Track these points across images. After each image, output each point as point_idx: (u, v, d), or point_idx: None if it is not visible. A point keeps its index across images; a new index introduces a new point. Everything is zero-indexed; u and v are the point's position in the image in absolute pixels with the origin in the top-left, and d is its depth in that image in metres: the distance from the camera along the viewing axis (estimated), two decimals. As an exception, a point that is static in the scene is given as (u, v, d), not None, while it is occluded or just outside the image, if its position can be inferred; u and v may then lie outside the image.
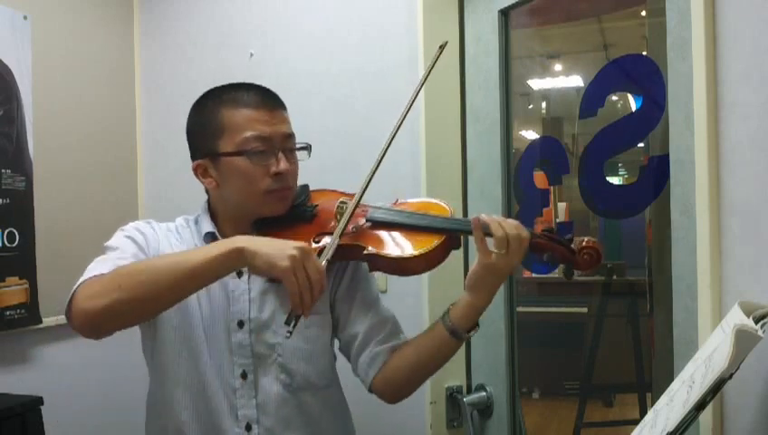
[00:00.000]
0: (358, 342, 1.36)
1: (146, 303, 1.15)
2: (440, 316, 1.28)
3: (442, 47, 1.35)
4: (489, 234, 1.20)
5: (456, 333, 1.25)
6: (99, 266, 1.24)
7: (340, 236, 1.23)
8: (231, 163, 1.30)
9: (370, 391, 1.36)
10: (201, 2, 2.28)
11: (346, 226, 1.25)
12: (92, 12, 2.24)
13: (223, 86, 1.36)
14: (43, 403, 1.74)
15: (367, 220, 1.31)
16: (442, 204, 1.35)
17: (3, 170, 1.88)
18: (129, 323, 1.22)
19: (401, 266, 1.28)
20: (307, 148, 1.37)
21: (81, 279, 1.22)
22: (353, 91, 1.98)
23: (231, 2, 2.22)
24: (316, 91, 2.04)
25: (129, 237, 1.33)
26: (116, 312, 1.15)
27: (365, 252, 1.27)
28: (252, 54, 2.16)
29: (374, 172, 1.29)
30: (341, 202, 1.35)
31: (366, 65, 1.96)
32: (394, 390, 1.34)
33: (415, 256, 1.25)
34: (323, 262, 1.17)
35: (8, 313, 1.88)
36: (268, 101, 1.34)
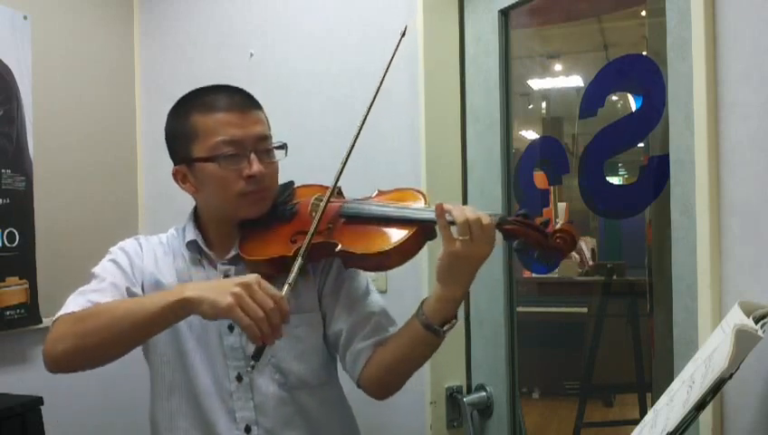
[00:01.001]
0: (343, 338, 1.34)
1: (100, 349, 1.20)
2: (415, 310, 1.25)
3: (403, 33, 1.30)
4: (453, 221, 1.16)
5: (431, 326, 1.20)
6: (72, 303, 1.27)
7: (312, 235, 1.22)
8: (204, 169, 1.29)
9: (359, 386, 1.35)
10: (201, 2, 2.28)
11: (319, 224, 1.23)
12: (92, 12, 2.24)
13: (195, 90, 1.36)
14: (42, 403, 1.74)
15: (340, 215, 1.29)
16: (416, 192, 1.32)
17: (3, 170, 1.88)
18: (91, 366, 1.25)
19: (375, 262, 1.26)
20: (283, 147, 1.35)
21: (57, 314, 1.26)
22: (353, 91, 1.98)
23: (231, 2, 2.22)
24: (316, 91, 2.03)
25: (112, 260, 1.35)
26: (75, 356, 1.21)
27: (336, 250, 1.25)
28: (252, 54, 2.16)
29: (344, 165, 1.28)
30: (316, 199, 1.34)
31: (366, 65, 1.96)
32: (380, 386, 1.33)
33: (385, 251, 1.22)
34: (285, 287, 1.14)
35: (8, 313, 1.88)
36: (239, 102, 1.31)
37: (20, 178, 1.93)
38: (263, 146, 1.31)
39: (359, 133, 1.29)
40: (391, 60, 1.27)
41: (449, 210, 1.17)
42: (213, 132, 1.28)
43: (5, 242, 1.89)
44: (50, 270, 2.00)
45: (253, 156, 1.29)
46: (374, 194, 1.36)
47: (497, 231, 1.17)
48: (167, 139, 1.38)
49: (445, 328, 1.21)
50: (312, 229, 1.22)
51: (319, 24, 2.05)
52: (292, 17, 2.10)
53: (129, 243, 1.39)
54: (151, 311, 1.14)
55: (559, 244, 1.15)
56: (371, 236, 1.25)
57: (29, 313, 1.94)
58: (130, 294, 1.31)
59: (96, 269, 1.35)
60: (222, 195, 1.30)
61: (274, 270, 1.30)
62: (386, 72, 1.27)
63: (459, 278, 1.18)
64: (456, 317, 1.23)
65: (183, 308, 1.13)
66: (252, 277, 1.13)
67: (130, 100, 2.37)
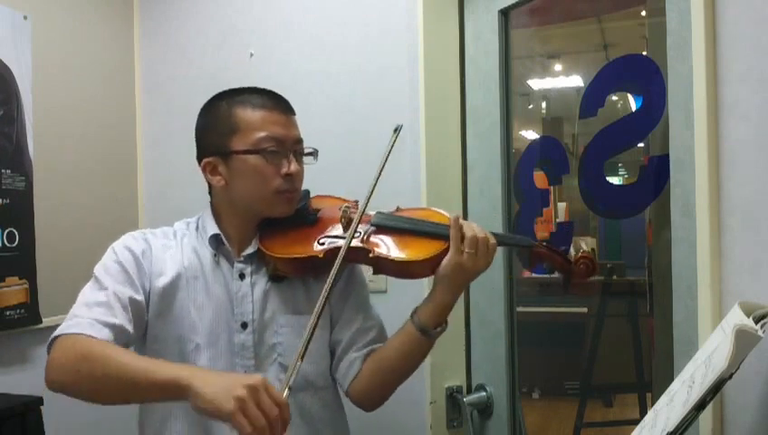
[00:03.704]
0: (341, 347, 1.39)
1: (97, 394, 1.18)
2: (409, 316, 1.32)
3: (397, 130, 1.40)
4: (464, 235, 1.27)
5: (425, 330, 1.28)
6: (76, 321, 1.22)
7: (351, 239, 1.27)
8: (244, 161, 1.31)
9: (347, 395, 1.39)
10: (201, 2, 2.28)
11: (355, 229, 1.28)
12: (92, 12, 2.24)
13: (234, 89, 1.39)
14: (43, 403, 1.74)
15: (372, 224, 1.34)
16: (443, 212, 1.38)
17: (3, 170, 1.88)
18: (90, 401, 1.20)
19: (407, 270, 1.31)
20: (314, 153, 1.40)
21: (61, 329, 1.22)
22: (353, 91, 1.98)
23: (231, 2, 2.22)
24: (316, 91, 2.03)
25: (117, 263, 1.31)
26: (75, 391, 1.18)
27: (371, 255, 1.30)
28: (252, 54, 2.16)
29: (377, 180, 1.32)
30: (346, 206, 1.38)
31: (366, 65, 1.96)
32: (369, 395, 1.37)
33: (420, 261, 1.28)
34: (285, 391, 1.07)
35: (8, 313, 1.88)
36: (282, 105, 1.37)
37: (20, 178, 1.93)
38: (299, 149, 1.37)
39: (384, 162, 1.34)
40: (388, 155, 1.36)
41: (462, 224, 1.27)
42: (257, 127, 1.31)
43: (5, 242, 1.88)
44: (50, 270, 2.00)
45: (291, 156, 1.33)
46: (394, 210, 1.41)
47: (527, 254, 1.35)
48: (198, 131, 1.39)
49: (437, 330, 1.30)
50: (351, 232, 1.28)
51: (319, 24, 2.05)
52: (292, 17, 2.10)
53: (135, 243, 1.35)
54: (144, 380, 1.09)
55: (582, 269, 1.32)
56: (405, 246, 1.31)
57: (29, 313, 1.94)
58: (132, 302, 1.28)
59: (98, 270, 1.31)
60: (258, 189, 1.32)
61: (297, 269, 1.35)
62: (383, 164, 1.35)
63: (454, 286, 1.28)
64: (446, 322, 1.32)
65: (178, 394, 1.07)
66: (258, 380, 1.04)
67: (130, 100, 2.37)
